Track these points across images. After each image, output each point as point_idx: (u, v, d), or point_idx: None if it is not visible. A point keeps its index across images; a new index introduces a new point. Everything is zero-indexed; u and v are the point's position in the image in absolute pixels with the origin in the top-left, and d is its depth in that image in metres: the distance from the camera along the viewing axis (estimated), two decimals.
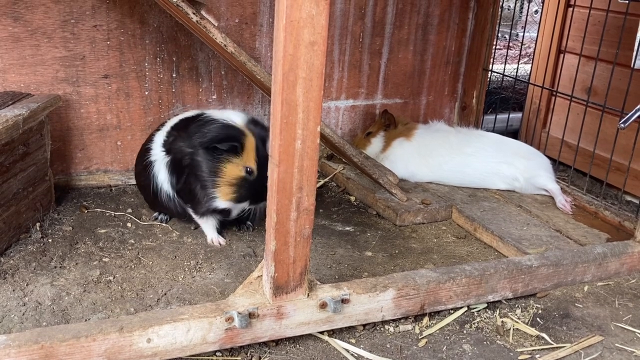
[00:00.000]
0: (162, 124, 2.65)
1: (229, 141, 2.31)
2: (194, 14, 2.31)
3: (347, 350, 1.91)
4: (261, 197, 2.26)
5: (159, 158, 2.48)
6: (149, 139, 2.62)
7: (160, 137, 2.53)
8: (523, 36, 3.99)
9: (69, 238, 2.47)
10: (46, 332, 1.63)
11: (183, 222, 2.65)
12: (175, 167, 2.42)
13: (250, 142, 2.33)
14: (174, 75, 2.99)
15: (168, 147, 2.46)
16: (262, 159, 2.29)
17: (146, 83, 2.95)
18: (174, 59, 2.96)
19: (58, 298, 2.07)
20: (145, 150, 2.60)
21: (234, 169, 2.32)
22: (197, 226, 2.61)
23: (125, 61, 2.88)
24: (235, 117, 2.43)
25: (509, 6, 7.50)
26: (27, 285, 2.13)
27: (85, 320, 1.98)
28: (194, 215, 2.50)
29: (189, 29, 2.78)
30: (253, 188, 2.33)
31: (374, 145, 3.29)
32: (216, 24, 2.39)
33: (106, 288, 2.15)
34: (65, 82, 2.81)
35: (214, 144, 2.30)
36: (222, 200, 2.35)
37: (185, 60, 2.99)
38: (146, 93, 2.97)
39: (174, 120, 2.57)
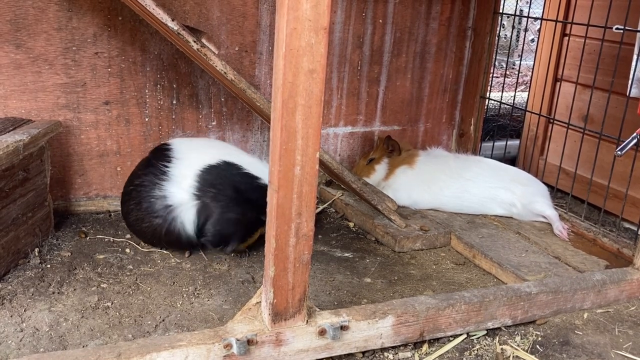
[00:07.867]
0: None
1: None
2: (194, 42, 2.34)
3: None
4: None
5: None
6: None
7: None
8: (520, 64, 4.03)
9: (68, 264, 2.46)
10: (43, 358, 1.62)
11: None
12: None
13: None
14: (174, 102, 3.01)
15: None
16: None
17: (146, 109, 2.97)
18: (174, 86, 2.99)
19: (56, 324, 2.06)
20: None
21: None
22: (191, 252, 2.63)
23: (125, 88, 2.90)
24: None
25: (506, 35, 7.60)
26: (25, 311, 2.12)
27: (83, 346, 1.97)
28: None
29: (189, 56, 2.81)
30: None
31: (378, 173, 3.26)
32: (216, 52, 2.41)
33: (104, 314, 2.15)
34: (66, 108, 2.83)
35: None
36: None
37: (185, 87, 3.01)
38: (146, 119, 2.99)
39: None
